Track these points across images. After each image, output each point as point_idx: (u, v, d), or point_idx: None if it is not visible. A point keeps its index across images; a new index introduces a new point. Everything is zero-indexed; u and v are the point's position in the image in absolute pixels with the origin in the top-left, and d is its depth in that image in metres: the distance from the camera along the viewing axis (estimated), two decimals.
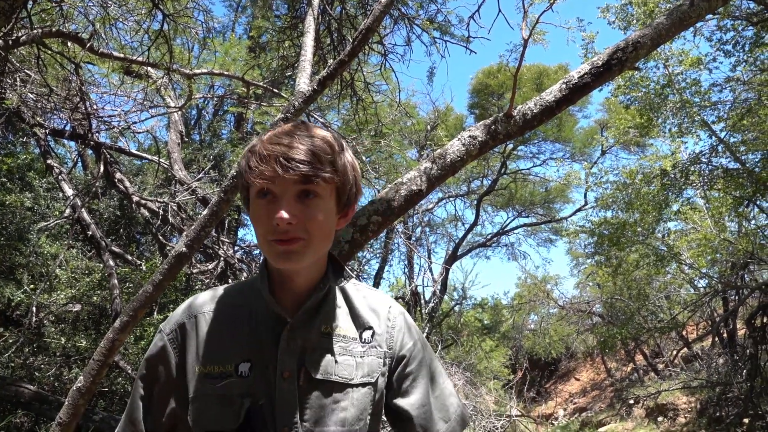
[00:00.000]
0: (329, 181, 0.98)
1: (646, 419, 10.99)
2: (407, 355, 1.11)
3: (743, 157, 8.49)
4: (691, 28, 7.62)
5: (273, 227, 0.94)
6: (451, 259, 18.63)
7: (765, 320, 7.49)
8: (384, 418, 1.13)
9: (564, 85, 2.69)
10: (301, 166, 0.94)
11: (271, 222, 0.94)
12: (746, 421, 7.92)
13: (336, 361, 1.02)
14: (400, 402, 1.09)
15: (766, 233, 9.02)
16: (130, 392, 1.08)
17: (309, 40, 2.77)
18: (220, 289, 1.11)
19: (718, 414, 8.87)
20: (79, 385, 2.37)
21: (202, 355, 1.01)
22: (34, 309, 5.43)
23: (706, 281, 10.54)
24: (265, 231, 0.96)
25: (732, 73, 7.95)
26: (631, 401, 11.97)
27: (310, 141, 0.97)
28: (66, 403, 2.38)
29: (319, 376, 1.00)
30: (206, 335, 1.02)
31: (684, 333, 12.71)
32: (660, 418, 10.51)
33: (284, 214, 0.93)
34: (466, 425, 1.17)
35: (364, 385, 1.04)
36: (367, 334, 1.08)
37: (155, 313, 6.18)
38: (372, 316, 1.11)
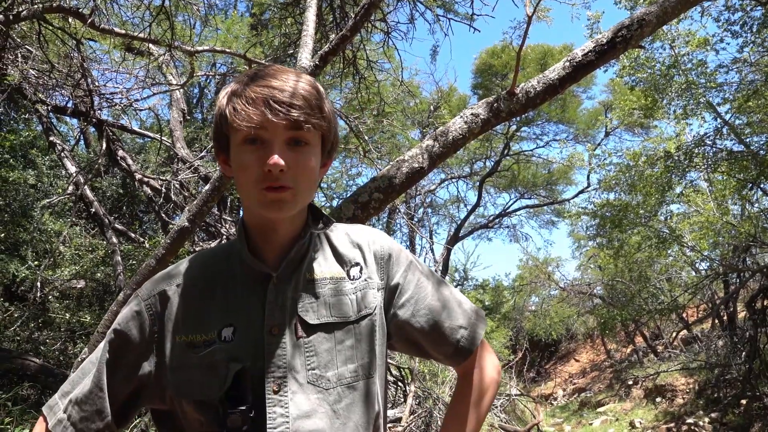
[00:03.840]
0: (318, 128, 0.95)
1: (644, 400, 11.08)
2: (401, 282, 1.09)
3: (748, 140, 8.42)
4: (698, 8, 7.53)
5: (264, 174, 0.91)
6: (453, 240, 18.67)
7: (765, 303, 7.51)
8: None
9: (567, 63, 2.67)
10: (292, 110, 0.91)
11: (262, 168, 0.91)
12: (744, 402, 7.98)
13: (329, 304, 1.01)
14: (410, 327, 1.08)
15: None
16: (97, 357, 1.04)
17: (311, 15, 2.75)
18: (197, 256, 1.07)
19: (716, 395, 8.93)
20: (83, 356, 2.40)
21: (183, 323, 0.98)
22: (38, 284, 5.49)
23: (708, 264, 10.54)
24: (255, 179, 0.92)
25: (739, 54, 7.86)
26: (630, 382, 12.05)
27: (298, 84, 0.94)
28: (71, 374, 2.42)
29: (315, 321, 0.98)
30: (187, 303, 0.99)
31: (684, 315, 12.75)
32: (658, 399, 10.60)
33: (279, 160, 0.90)
34: (484, 320, 1.14)
35: (363, 318, 1.02)
36: (354, 271, 1.06)
37: None
38: (356, 252, 1.08)
